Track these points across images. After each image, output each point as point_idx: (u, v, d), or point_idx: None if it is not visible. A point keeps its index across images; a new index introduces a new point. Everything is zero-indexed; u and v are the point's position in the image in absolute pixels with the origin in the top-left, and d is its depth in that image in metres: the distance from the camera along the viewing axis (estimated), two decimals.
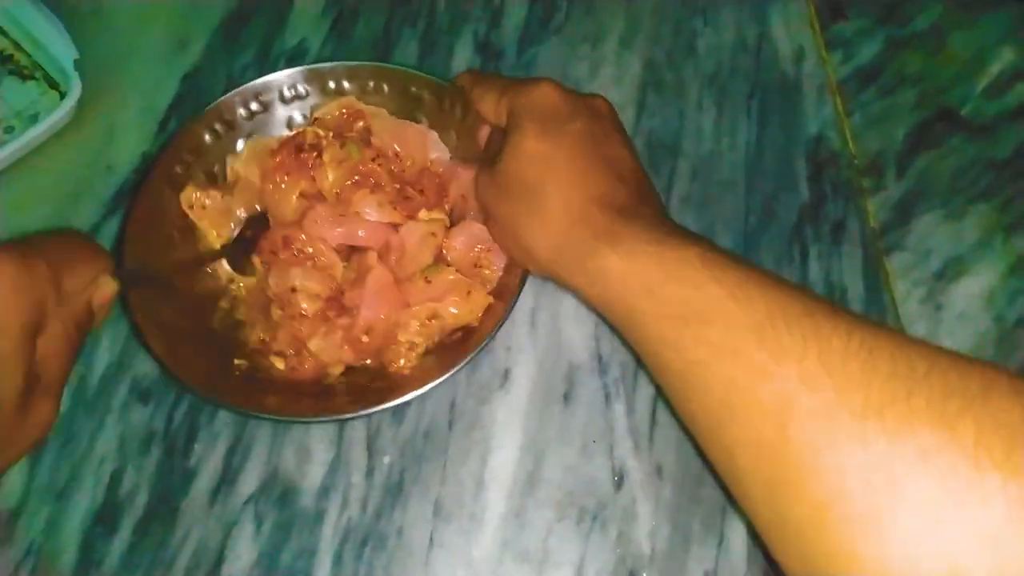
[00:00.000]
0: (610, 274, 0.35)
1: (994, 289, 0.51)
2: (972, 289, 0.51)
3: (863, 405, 0.26)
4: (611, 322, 0.37)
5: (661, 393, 0.39)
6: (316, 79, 0.50)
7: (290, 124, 0.51)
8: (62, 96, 0.56)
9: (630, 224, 0.36)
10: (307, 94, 0.50)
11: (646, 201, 0.39)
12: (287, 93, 0.50)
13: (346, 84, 0.50)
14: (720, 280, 0.32)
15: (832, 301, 0.31)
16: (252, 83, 0.49)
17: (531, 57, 0.61)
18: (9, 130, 0.56)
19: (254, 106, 0.49)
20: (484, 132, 0.46)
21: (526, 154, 0.39)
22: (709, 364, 0.31)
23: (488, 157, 0.43)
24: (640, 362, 0.41)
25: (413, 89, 0.50)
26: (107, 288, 0.37)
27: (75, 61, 0.56)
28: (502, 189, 0.40)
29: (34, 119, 0.56)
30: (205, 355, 0.43)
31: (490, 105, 0.44)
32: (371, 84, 0.50)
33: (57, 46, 0.57)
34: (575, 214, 0.37)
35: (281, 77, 0.49)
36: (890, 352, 0.27)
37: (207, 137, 0.48)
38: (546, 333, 0.48)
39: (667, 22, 0.63)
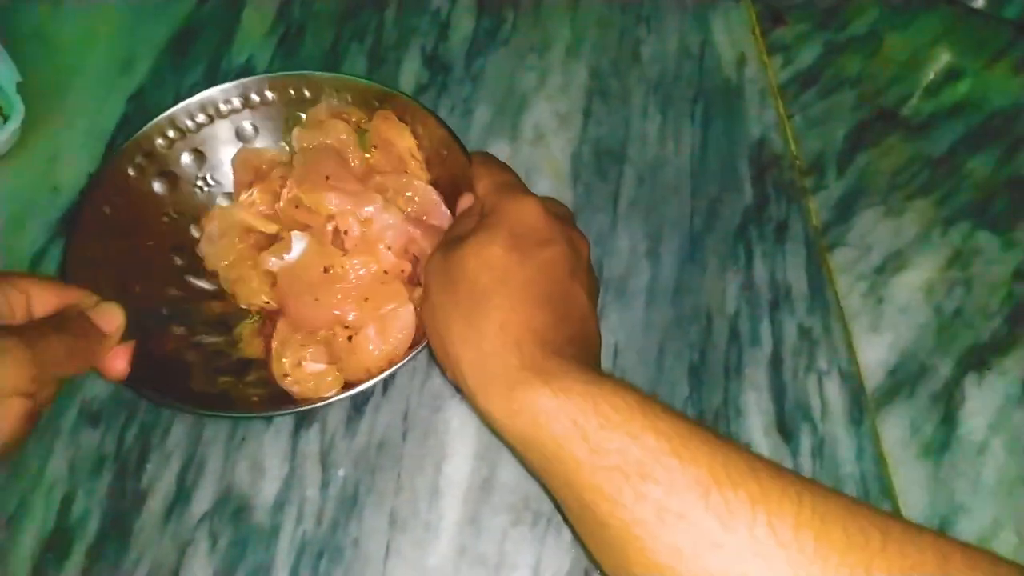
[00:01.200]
0: (538, 409, 0.32)
1: (933, 281, 0.52)
2: (912, 282, 0.52)
3: None
4: (530, 463, 0.34)
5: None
6: (248, 91, 0.50)
7: (239, 134, 0.51)
8: (5, 120, 0.56)
9: (565, 363, 0.33)
10: (242, 107, 0.50)
11: (587, 348, 0.37)
12: (223, 108, 0.50)
13: (269, 95, 0.50)
14: (659, 431, 0.30)
15: (773, 461, 0.30)
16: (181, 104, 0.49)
17: (479, 69, 0.62)
18: None
19: (200, 118, 0.50)
20: (466, 200, 0.44)
21: (487, 258, 0.37)
22: (652, 527, 0.28)
23: (451, 236, 0.41)
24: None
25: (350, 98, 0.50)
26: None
27: (18, 84, 0.55)
28: (450, 279, 0.38)
29: None
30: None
31: (482, 186, 0.43)
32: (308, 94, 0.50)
33: None
34: (511, 338, 0.34)
35: (214, 93, 0.49)
36: (842, 519, 0.27)
37: (140, 159, 0.48)
38: None
39: (612, 31, 0.64)
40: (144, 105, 0.59)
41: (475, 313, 0.36)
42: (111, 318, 0.38)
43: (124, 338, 0.39)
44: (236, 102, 0.50)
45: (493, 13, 0.65)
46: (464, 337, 0.36)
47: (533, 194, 0.40)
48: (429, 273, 0.40)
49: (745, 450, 0.30)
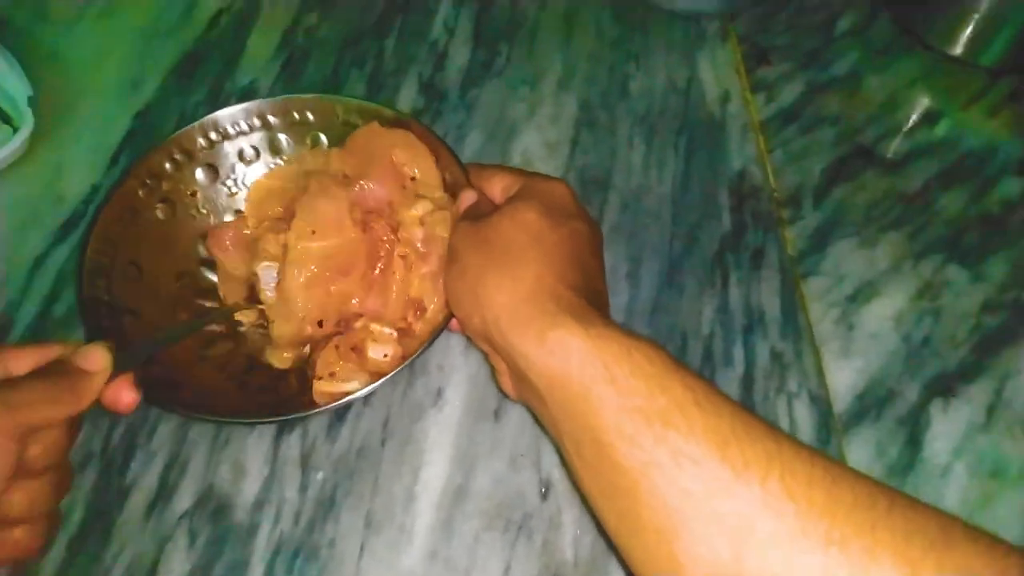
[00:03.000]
0: (571, 348, 0.33)
1: (903, 311, 0.54)
2: (883, 311, 0.54)
3: (826, 535, 0.26)
4: (552, 401, 0.35)
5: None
6: (267, 113, 0.52)
7: (242, 155, 0.53)
8: (15, 131, 0.58)
9: (600, 314, 0.35)
10: (258, 127, 0.53)
11: (607, 314, 0.38)
12: (243, 125, 0.52)
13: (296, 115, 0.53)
14: (687, 384, 0.31)
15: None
16: (211, 116, 0.51)
17: (473, 98, 0.64)
18: None
19: (213, 136, 0.52)
20: (468, 196, 0.46)
21: (523, 221, 0.40)
22: (667, 469, 0.29)
23: (474, 214, 0.44)
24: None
25: (357, 120, 0.52)
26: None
27: (29, 98, 0.58)
28: (482, 240, 0.40)
29: None
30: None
31: (499, 181, 0.46)
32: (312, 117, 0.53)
33: (12, 83, 0.59)
34: (547, 285, 0.37)
35: (236, 111, 0.51)
36: (851, 483, 0.28)
37: (167, 165, 0.50)
38: (479, 353, 0.50)
39: (602, 65, 0.67)
40: (149, 122, 0.61)
41: (511, 265, 0.38)
42: (94, 357, 0.35)
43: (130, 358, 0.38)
44: (243, 125, 0.52)
45: (488, 46, 0.68)
46: (499, 284, 0.38)
47: (556, 178, 0.44)
48: (458, 239, 0.42)
49: (764, 419, 0.31)
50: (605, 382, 0.32)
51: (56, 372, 0.34)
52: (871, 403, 0.50)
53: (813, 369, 0.51)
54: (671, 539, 0.29)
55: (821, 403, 0.50)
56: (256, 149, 0.53)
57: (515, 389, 0.40)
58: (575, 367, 0.33)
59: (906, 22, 0.71)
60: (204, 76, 0.65)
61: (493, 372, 0.43)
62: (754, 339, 0.52)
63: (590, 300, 0.37)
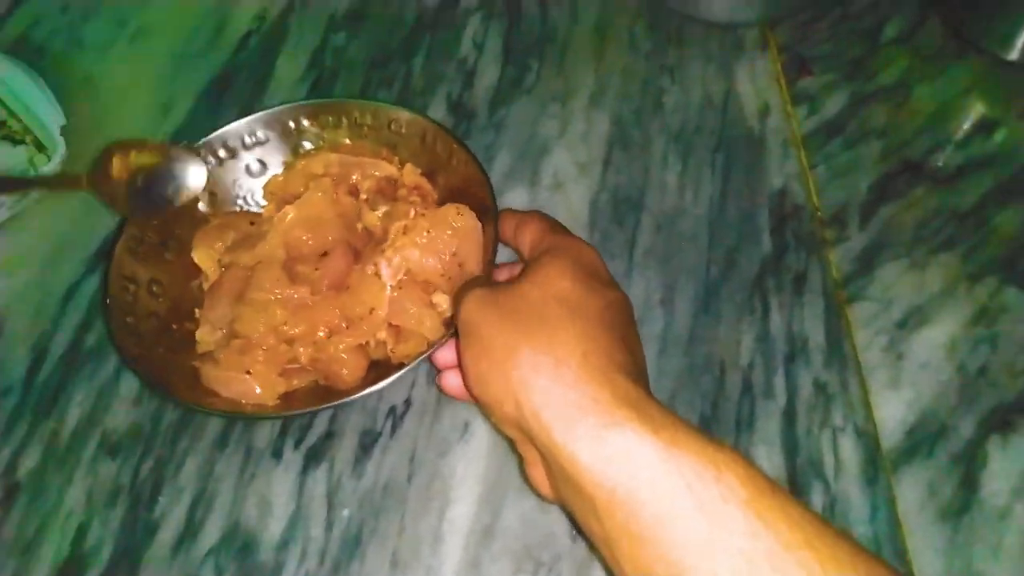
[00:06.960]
0: (640, 458, 0.28)
1: (956, 338, 0.51)
2: (935, 338, 0.51)
3: None
4: (611, 521, 0.28)
5: None
6: (275, 122, 0.52)
7: (248, 170, 0.53)
8: (49, 159, 0.59)
9: (665, 409, 0.30)
10: (267, 139, 0.52)
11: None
12: (248, 140, 0.52)
13: (305, 122, 0.52)
14: (791, 519, 0.26)
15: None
16: (211, 135, 0.51)
17: (502, 117, 0.63)
18: None
19: (222, 153, 0.51)
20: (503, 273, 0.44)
21: (557, 291, 0.34)
22: None
23: (485, 283, 0.39)
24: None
25: (392, 126, 0.52)
26: None
27: (62, 127, 0.58)
28: (508, 311, 0.34)
29: None
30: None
31: (531, 233, 0.41)
32: (344, 120, 0.52)
33: (46, 112, 0.60)
34: (596, 366, 0.31)
35: (239, 125, 0.51)
36: None
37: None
38: None
39: (635, 80, 0.65)
40: None
41: (549, 341, 0.32)
42: None
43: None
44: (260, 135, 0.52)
45: (518, 63, 0.66)
46: (536, 364, 0.31)
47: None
48: (473, 311, 0.35)
49: (866, 550, 0.27)
50: (691, 509, 0.26)
51: None
52: (922, 439, 0.47)
53: (860, 401, 0.49)
54: None
55: (868, 438, 0.47)
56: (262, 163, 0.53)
57: (553, 490, 0.34)
58: (647, 484, 0.27)
59: (957, 26, 0.67)
60: (233, 98, 0.64)
61: (520, 463, 0.37)
62: (796, 369, 0.50)
63: (643, 385, 0.32)
